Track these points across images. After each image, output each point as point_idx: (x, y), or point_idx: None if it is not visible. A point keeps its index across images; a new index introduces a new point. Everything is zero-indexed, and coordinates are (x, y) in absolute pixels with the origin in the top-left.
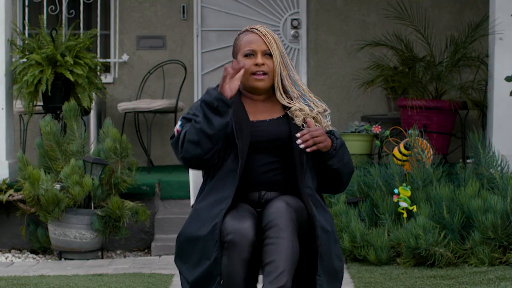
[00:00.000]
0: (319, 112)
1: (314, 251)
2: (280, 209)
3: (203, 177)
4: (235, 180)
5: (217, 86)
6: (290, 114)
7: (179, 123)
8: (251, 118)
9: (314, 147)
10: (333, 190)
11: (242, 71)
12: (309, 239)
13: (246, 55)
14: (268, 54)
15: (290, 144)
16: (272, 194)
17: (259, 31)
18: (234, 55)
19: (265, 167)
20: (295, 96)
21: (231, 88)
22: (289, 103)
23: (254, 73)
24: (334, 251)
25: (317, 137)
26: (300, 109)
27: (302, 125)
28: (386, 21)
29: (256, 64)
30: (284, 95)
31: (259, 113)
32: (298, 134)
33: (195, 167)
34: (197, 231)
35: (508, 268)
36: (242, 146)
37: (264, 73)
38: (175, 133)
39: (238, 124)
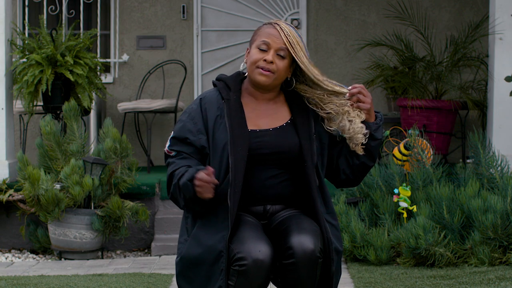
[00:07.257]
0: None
1: (327, 271)
2: (304, 259)
3: None
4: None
5: (192, 179)
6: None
7: (168, 143)
8: (252, 126)
9: (355, 104)
10: (358, 178)
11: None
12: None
13: (259, 48)
14: (280, 55)
15: (300, 157)
16: (278, 208)
17: (282, 29)
18: (250, 43)
19: (271, 181)
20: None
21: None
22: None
23: (260, 67)
24: (339, 262)
25: (365, 96)
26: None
27: (337, 136)
28: (386, 21)
29: (265, 60)
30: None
31: (260, 118)
32: (349, 87)
33: None
34: (200, 256)
35: (508, 268)
36: (236, 162)
37: (270, 71)
38: (166, 152)
39: (232, 136)
